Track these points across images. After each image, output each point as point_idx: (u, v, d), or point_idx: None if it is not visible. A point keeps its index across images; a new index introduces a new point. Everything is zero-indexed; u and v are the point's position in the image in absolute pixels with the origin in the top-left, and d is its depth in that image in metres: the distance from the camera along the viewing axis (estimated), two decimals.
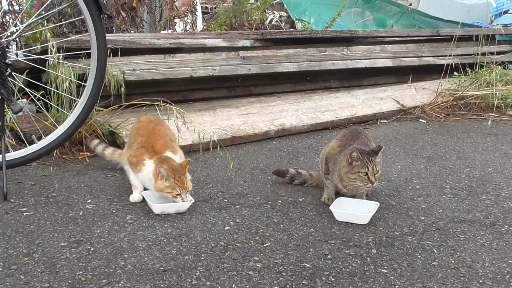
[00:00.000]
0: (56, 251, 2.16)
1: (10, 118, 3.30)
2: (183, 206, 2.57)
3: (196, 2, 6.72)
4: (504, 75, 5.31)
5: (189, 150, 3.49)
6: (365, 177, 2.59)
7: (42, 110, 3.16)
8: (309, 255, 2.22)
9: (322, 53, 5.12)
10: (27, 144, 2.97)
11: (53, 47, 3.32)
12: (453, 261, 2.23)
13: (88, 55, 3.05)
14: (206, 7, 7.65)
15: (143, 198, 2.66)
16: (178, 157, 2.74)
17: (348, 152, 2.62)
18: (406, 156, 3.71)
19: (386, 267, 2.16)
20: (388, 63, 5.46)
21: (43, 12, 3.20)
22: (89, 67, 2.98)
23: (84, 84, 3.02)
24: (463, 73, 5.42)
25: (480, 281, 2.09)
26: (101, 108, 3.50)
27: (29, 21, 3.18)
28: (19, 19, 4.18)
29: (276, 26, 7.10)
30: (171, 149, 2.71)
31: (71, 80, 3.26)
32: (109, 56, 3.44)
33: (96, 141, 3.21)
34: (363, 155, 2.59)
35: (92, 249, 2.19)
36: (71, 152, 3.32)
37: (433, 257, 2.26)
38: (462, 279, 2.10)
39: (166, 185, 2.52)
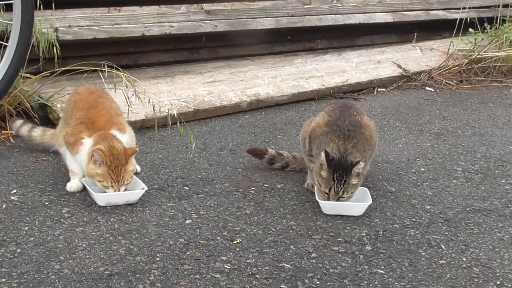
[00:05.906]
0: None
1: None
2: (133, 196, 2.57)
3: None
4: None
5: (141, 126, 3.47)
6: (325, 193, 2.56)
7: None
8: (289, 254, 2.24)
9: (306, 6, 5.11)
10: None
11: None
12: (464, 259, 2.27)
13: (9, 7, 3.00)
14: None
15: (84, 186, 2.65)
16: (127, 137, 2.72)
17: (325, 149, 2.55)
18: (409, 132, 3.74)
19: (383, 267, 2.18)
20: (388, 18, 5.47)
21: None
22: (11, 22, 2.93)
23: (6, 44, 2.97)
24: (480, 30, 5.45)
25: (498, 282, 2.13)
26: (28, 75, 3.45)
27: None
28: None
29: None
30: (117, 127, 2.70)
31: None
32: (38, 8, 3.38)
33: (19, 121, 3.16)
34: (335, 167, 2.50)
35: (18, 250, 2.17)
36: None
37: (441, 255, 2.29)
38: (476, 280, 2.13)
39: (98, 172, 2.52)
